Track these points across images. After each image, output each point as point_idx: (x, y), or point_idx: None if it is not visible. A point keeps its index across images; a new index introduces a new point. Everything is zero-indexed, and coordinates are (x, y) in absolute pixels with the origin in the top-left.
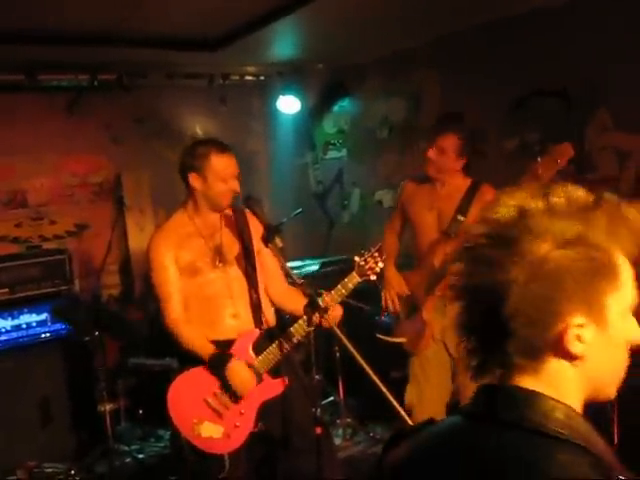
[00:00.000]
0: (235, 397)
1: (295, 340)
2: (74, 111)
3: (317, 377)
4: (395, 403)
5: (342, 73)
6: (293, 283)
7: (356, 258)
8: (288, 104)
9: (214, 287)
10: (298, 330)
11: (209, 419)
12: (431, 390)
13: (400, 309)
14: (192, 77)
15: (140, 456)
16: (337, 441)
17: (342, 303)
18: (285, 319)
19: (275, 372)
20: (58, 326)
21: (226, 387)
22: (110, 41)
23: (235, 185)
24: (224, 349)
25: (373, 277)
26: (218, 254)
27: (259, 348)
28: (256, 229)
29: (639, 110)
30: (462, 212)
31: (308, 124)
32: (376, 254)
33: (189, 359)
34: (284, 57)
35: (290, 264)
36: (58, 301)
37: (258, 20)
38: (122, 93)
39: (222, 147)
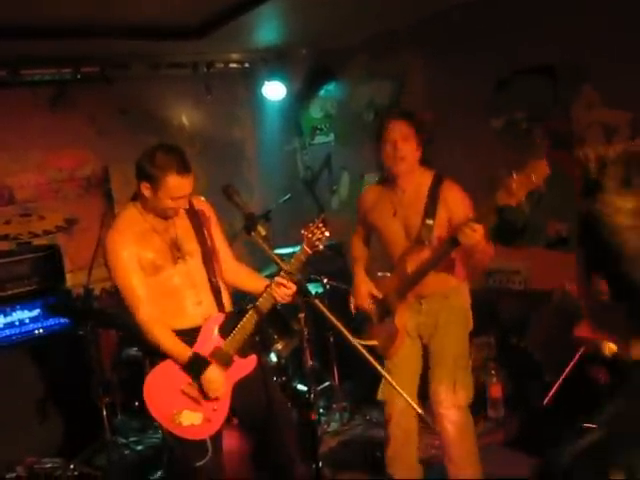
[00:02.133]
0: None
1: (263, 314)
2: (58, 105)
3: (311, 363)
4: (391, 380)
5: (326, 57)
6: (281, 270)
7: (303, 231)
8: (274, 90)
9: (176, 280)
10: (264, 304)
11: (188, 407)
12: (402, 386)
13: (373, 312)
14: (176, 66)
15: (138, 448)
16: (334, 425)
17: (331, 287)
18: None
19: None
20: (51, 322)
21: None
22: (91, 33)
23: (184, 204)
24: (192, 337)
25: (321, 247)
26: (175, 248)
27: (225, 331)
28: (205, 212)
29: (625, 86)
30: (429, 216)
31: (294, 110)
32: (321, 224)
33: (157, 353)
34: (268, 43)
35: (279, 251)
36: (50, 297)
37: (240, 6)
38: (106, 85)
39: (182, 168)
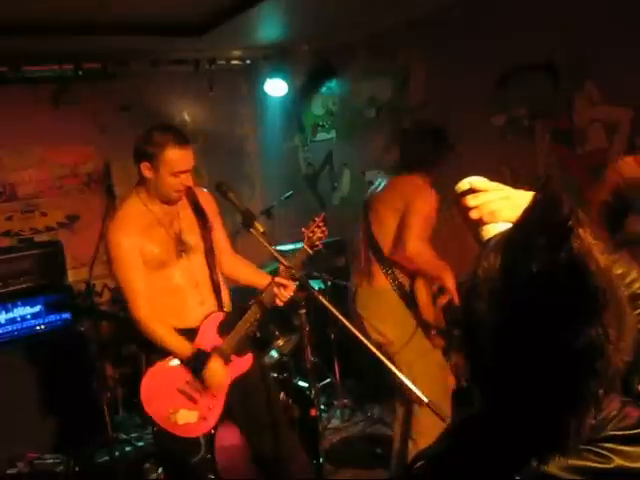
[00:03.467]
0: None
1: (257, 318)
2: (60, 102)
3: (312, 359)
4: (399, 374)
5: (328, 54)
6: (282, 267)
7: (304, 230)
8: (275, 87)
9: (178, 278)
10: (267, 300)
11: (184, 406)
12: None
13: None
14: (178, 63)
15: (140, 444)
16: (335, 422)
17: (332, 283)
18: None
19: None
20: (53, 318)
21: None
22: (93, 30)
23: (187, 180)
24: (192, 337)
25: (321, 246)
26: (179, 242)
27: (224, 329)
28: (207, 205)
29: (627, 82)
30: None
31: (296, 106)
32: (321, 223)
33: (153, 350)
34: (269, 40)
35: (281, 247)
36: (52, 293)
37: (241, 2)
38: (108, 82)
39: (180, 139)
